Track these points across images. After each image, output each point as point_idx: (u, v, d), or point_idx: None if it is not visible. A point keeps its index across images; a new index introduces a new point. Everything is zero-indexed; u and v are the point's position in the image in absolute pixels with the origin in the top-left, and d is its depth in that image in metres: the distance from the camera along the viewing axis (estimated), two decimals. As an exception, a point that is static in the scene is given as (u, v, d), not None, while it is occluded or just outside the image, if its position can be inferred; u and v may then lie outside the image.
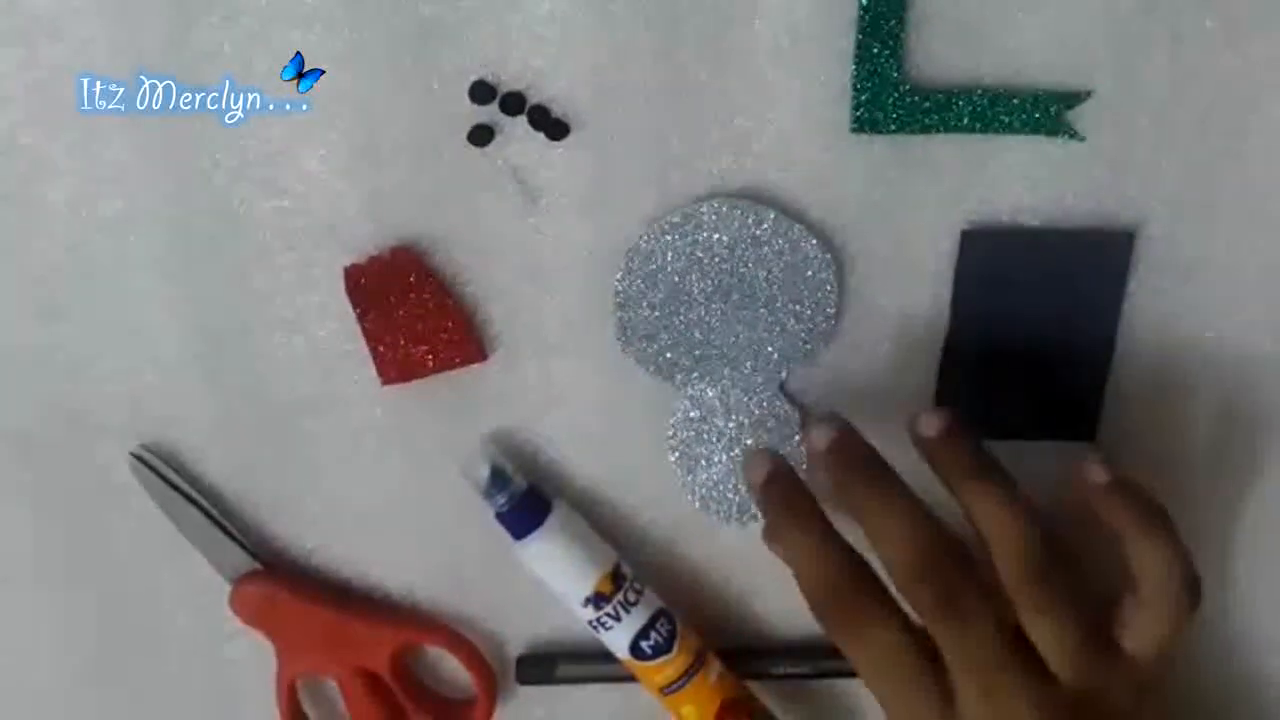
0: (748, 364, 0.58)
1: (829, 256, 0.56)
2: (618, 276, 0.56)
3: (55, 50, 0.53)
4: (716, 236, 0.55)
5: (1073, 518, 0.53)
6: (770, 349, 0.57)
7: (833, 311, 0.57)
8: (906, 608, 0.50)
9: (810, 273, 0.56)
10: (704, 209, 0.55)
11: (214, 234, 0.56)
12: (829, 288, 0.56)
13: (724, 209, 0.55)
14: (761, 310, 0.57)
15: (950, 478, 0.52)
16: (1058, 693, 0.49)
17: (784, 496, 0.54)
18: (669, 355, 0.58)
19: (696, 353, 0.58)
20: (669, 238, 0.56)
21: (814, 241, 0.55)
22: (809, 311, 0.57)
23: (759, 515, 0.59)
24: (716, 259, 0.56)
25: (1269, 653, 0.64)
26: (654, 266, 0.56)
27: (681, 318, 0.57)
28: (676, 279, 0.56)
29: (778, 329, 0.57)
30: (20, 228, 0.56)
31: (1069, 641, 0.49)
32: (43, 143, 0.55)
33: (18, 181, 0.55)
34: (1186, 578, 0.51)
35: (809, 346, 0.57)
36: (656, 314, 0.57)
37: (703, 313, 0.57)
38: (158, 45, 0.53)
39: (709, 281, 0.56)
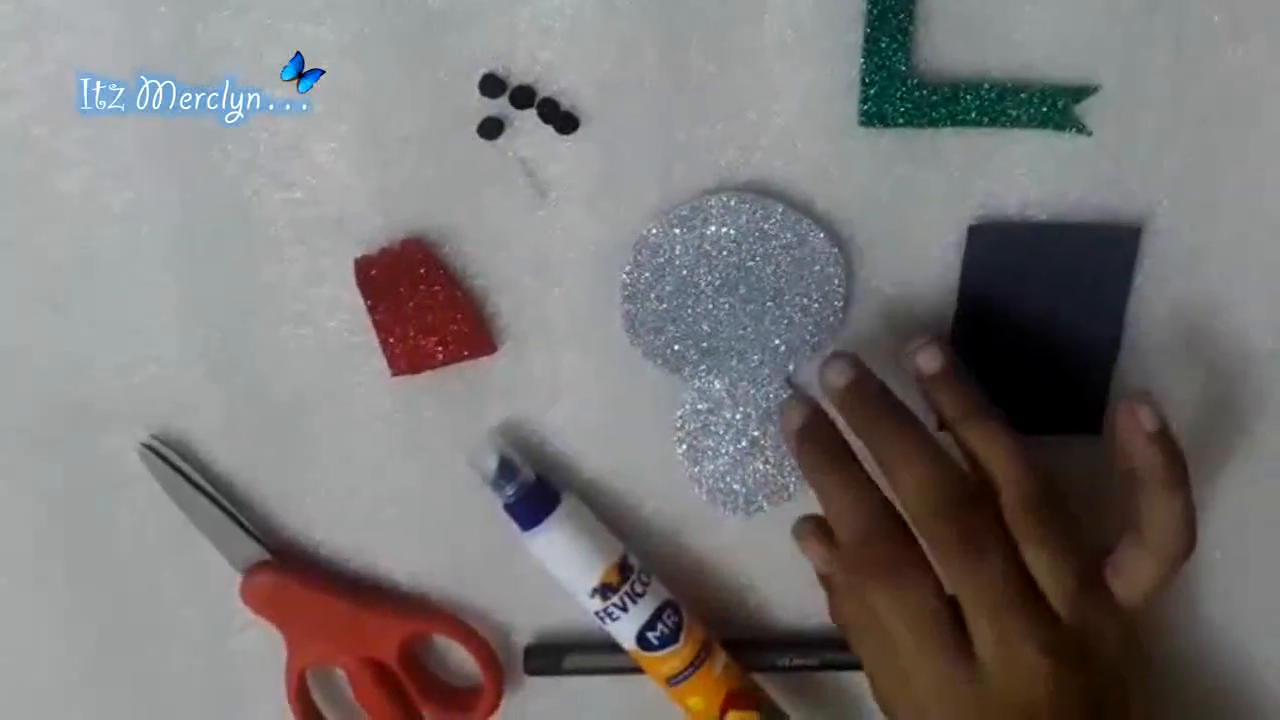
0: (755, 356, 0.58)
1: (836, 250, 0.56)
2: (626, 269, 0.57)
3: (64, 44, 0.54)
4: (724, 230, 0.56)
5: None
6: (777, 341, 0.58)
7: (840, 304, 0.57)
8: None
9: (818, 266, 0.56)
10: (712, 202, 0.55)
11: (224, 226, 0.57)
12: (836, 281, 0.56)
13: (732, 202, 0.55)
14: (769, 303, 0.57)
15: (949, 414, 0.54)
16: (1062, 633, 0.51)
17: (822, 444, 0.55)
18: (676, 348, 0.58)
19: (704, 345, 0.58)
20: (677, 230, 0.56)
21: (821, 235, 0.56)
22: (816, 304, 0.57)
23: (766, 505, 0.60)
24: (724, 252, 0.56)
25: (1263, 642, 0.64)
26: (662, 259, 0.56)
27: (689, 310, 0.57)
28: (684, 272, 0.57)
29: (785, 322, 0.57)
30: (30, 220, 0.56)
31: (1068, 577, 0.51)
32: (53, 136, 0.55)
33: (28, 174, 0.56)
34: (1192, 534, 0.52)
35: (816, 339, 0.58)
36: (664, 306, 0.57)
37: (710, 305, 0.57)
38: (167, 39, 0.54)
39: (716, 274, 0.57)
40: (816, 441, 0.55)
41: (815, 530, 0.56)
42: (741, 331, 0.58)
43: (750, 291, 0.57)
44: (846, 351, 0.55)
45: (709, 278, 0.57)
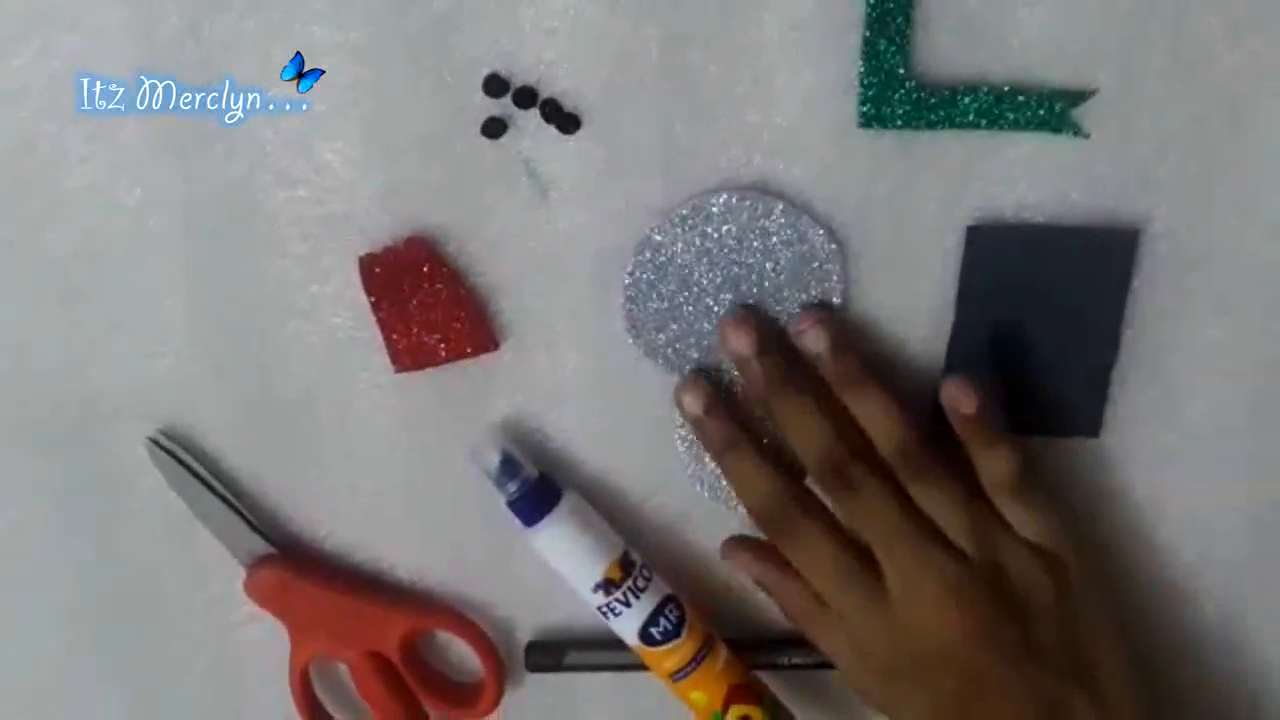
0: None
1: (835, 247, 0.56)
2: (627, 269, 0.57)
3: (72, 41, 0.54)
4: (725, 228, 0.56)
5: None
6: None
7: (839, 302, 0.57)
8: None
9: (817, 263, 0.57)
10: (713, 201, 0.56)
11: (230, 223, 0.57)
12: (835, 278, 0.57)
13: (733, 200, 0.56)
14: (769, 301, 0.57)
15: (833, 384, 0.57)
16: (969, 565, 0.54)
17: (720, 425, 0.58)
18: (678, 346, 0.58)
19: (705, 343, 0.58)
20: (678, 230, 0.56)
21: (821, 231, 0.56)
22: (815, 302, 0.57)
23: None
24: (725, 250, 0.57)
25: (1264, 644, 0.64)
26: (663, 258, 0.57)
27: (690, 309, 0.58)
28: (685, 271, 0.57)
29: (785, 320, 0.58)
30: (38, 216, 0.57)
31: (960, 510, 0.54)
32: (61, 132, 0.56)
33: (37, 169, 0.56)
34: (1011, 447, 0.55)
35: None
36: (666, 305, 0.58)
37: (711, 303, 0.58)
38: (176, 36, 0.54)
39: (718, 273, 0.57)
40: (713, 424, 0.58)
41: (736, 544, 0.60)
42: None
43: (751, 289, 0.57)
44: (747, 314, 0.58)
45: (710, 276, 0.57)
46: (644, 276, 0.57)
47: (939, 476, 0.55)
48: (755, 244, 0.57)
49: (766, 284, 0.58)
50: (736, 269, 0.57)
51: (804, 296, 0.58)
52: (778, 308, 0.58)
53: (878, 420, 0.56)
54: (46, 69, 0.55)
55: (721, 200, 0.56)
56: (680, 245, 0.57)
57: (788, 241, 0.56)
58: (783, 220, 0.56)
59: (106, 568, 0.64)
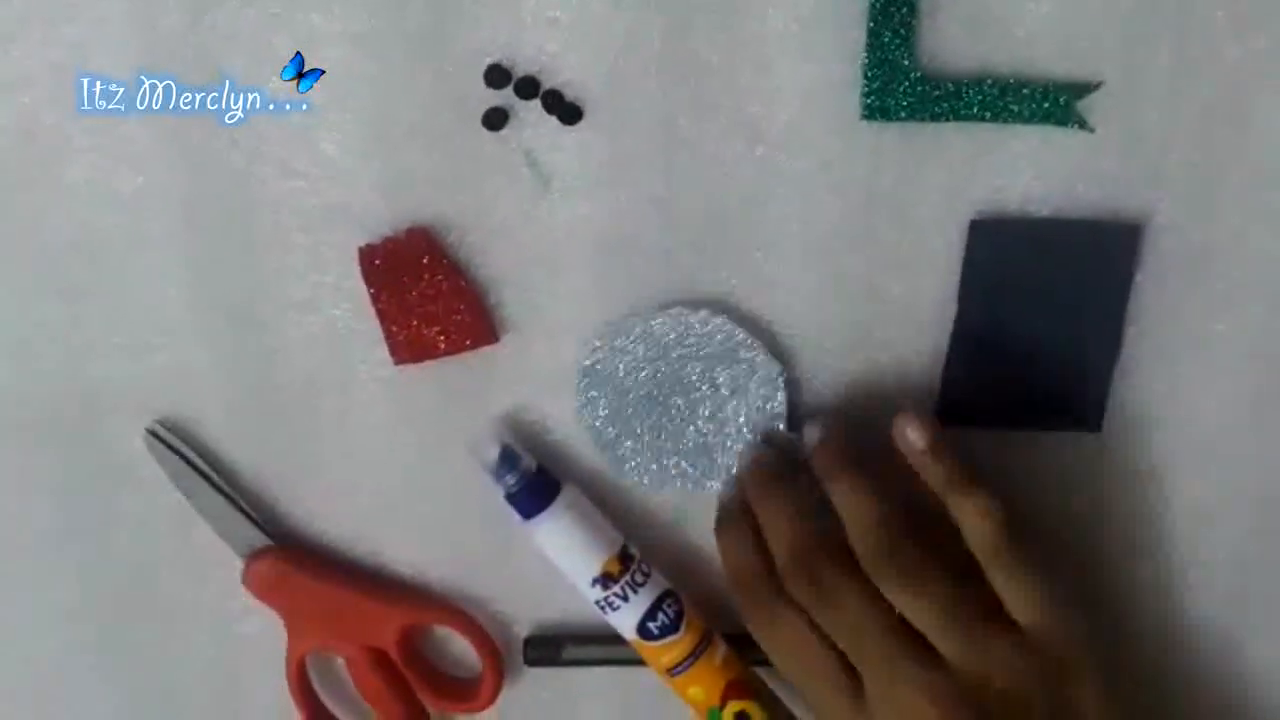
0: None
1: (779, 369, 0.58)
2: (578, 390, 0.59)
3: (73, 31, 0.54)
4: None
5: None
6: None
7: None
8: None
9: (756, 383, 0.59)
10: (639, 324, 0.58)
11: (229, 214, 0.57)
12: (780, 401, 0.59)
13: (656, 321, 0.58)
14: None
15: (820, 470, 0.56)
16: (949, 675, 0.50)
17: (723, 511, 0.59)
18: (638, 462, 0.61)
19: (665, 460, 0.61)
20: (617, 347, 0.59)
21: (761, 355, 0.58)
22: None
23: None
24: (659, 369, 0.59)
25: (1263, 646, 0.64)
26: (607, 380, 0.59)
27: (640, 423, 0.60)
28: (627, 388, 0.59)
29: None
30: (38, 207, 0.57)
31: (937, 613, 0.51)
32: (62, 122, 0.55)
33: (37, 160, 0.56)
34: (1001, 517, 0.52)
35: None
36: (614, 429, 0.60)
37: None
38: (177, 26, 0.54)
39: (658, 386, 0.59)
40: (720, 517, 0.60)
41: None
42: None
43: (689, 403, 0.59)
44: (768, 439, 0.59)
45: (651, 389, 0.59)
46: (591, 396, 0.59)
47: (916, 571, 0.52)
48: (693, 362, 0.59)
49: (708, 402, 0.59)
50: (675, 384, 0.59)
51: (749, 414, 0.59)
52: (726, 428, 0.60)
53: (848, 508, 0.54)
54: (46, 60, 0.55)
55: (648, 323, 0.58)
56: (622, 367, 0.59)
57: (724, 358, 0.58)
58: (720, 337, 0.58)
59: (104, 560, 0.63)
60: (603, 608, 0.59)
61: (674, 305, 0.58)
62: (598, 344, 0.58)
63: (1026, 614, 0.52)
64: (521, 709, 0.65)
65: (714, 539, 0.60)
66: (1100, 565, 0.61)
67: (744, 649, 0.61)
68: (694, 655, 0.60)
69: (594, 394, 0.59)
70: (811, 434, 0.57)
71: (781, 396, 0.58)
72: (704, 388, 0.59)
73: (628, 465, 0.60)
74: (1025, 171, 0.55)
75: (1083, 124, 0.54)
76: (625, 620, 0.59)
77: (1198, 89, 0.54)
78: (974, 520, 0.53)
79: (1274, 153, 0.55)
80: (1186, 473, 0.60)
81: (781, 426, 0.59)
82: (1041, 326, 0.58)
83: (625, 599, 0.59)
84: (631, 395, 0.59)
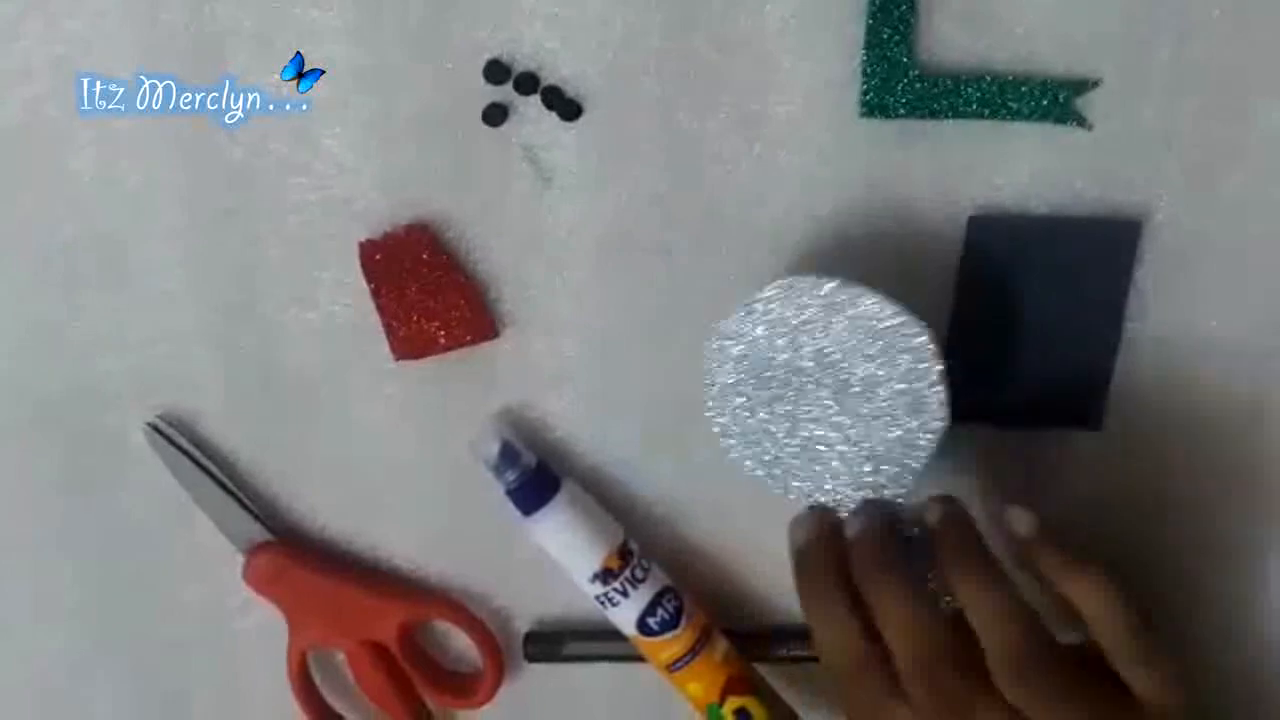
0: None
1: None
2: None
3: (75, 25, 0.55)
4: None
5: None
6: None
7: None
8: None
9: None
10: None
11: (231, 208, 0.57)
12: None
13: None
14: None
15: (944, 561, 0.52)
16: None
17: (814, 564, 0.54)
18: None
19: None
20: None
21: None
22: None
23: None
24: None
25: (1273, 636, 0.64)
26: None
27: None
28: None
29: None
30: (43, 199, 0.57)
31: None
32: (65, 116, 0.56)
33: (41, 153, 0.56)
34: (1130, 604, 0.50)
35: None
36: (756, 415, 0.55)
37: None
38: (178, 20, 0.54)
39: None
40: (812, 572, 0.54)
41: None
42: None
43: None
44: (869, 504, 0.54)
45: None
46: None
47: (1064, 693, 0.47)
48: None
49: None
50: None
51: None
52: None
53: (980, 611, 0.49)
54: (48, 55, 0.55)
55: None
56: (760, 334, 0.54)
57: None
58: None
59: (105, 554, 0.64)
60: (602, 603, 0.59)
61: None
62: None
63: (1158, 697, 0.49)
64: (521, 704, 0.65)
65: (710, 529, 0.60)
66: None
67: (744, 645, 0.62)
68: (694, 651, 0.60)
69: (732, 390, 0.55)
70: (933, 513, 0.53)
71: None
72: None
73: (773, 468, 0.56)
74: (1024, 168, 0.55)
75: (1081, 121, 0.54)
76: (625, 616, 0.59)
77: (1196, 86, 0.54)
78: (1095, 606, 0.50)
79: (1273, 149, 0.55)
80: (1186, 469, 0.60)
81: (941, 405, 0.52)
82: (1040, 323, 0.58)
83: (625, 594, 0.59)
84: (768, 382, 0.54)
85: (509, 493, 0.59)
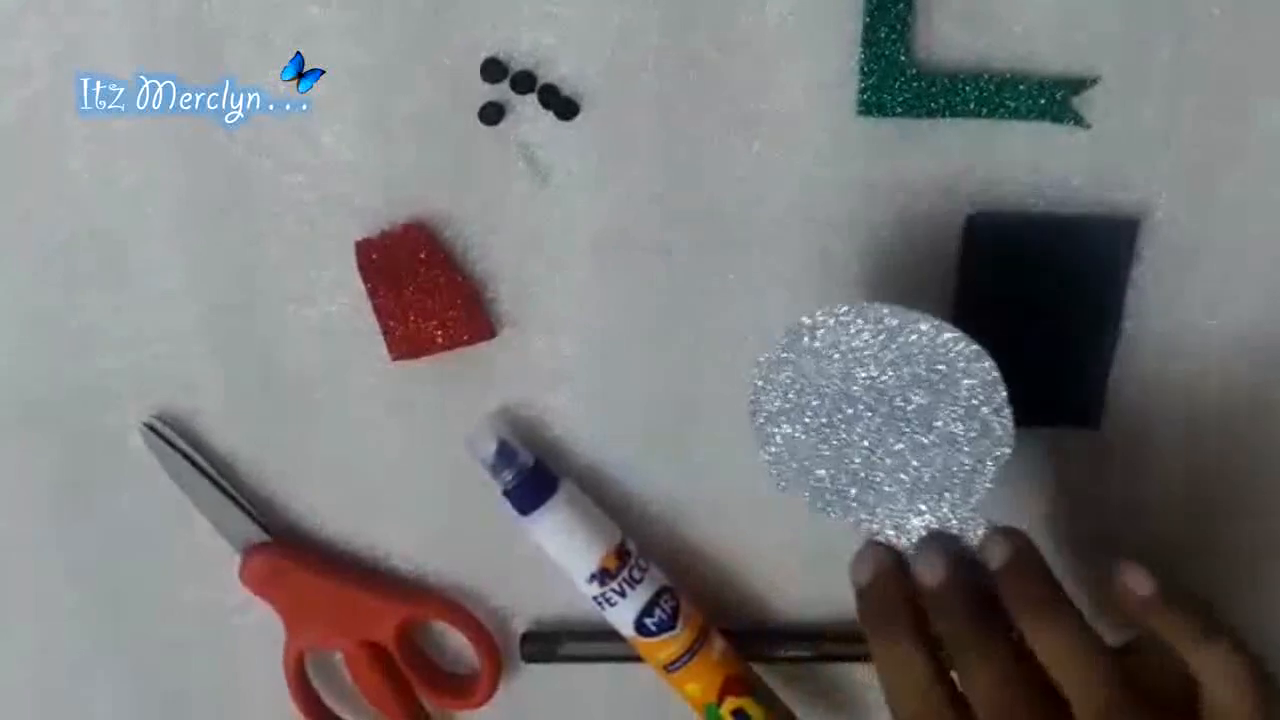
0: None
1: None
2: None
3: (74, 22, 0.54)
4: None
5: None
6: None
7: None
8: None
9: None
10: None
11: (228, 206, 0.57)
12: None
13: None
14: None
15: (1015, 608, 0.50)
16: None
17: (880, 603, 0.52)
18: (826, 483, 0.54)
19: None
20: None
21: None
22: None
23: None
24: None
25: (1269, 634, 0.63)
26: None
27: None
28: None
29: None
30: (41, 197, 0.57)
31: None
32: (61, 115, 0.56)
33: (39, 151, 0.56)
34: (1260, 685, 0.48)
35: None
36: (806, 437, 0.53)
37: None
38: (174, 16, 0.54)
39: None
40: (879, 612, 0.52)
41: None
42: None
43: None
44: (935, 544, 0.52)
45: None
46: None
47: None
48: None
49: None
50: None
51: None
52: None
53: (1062, 662, 0.47)
54: (46, 53, 0.55)
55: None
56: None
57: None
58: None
59: (103, 554, 0.64)
60: (600, 603, 0.59)
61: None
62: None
63: None
64: (519, 705, 0.65)
65: (708, 530, 0.59)
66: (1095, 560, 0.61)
67: (741, 646, 0.62)
68: (691, 651, 0.60)
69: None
70: (999, 550, 0.51)
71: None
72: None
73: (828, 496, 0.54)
74: (1022, 167, 0.55)
75: (1078, 120, 0.54)
76: (622, 616, 0.59)
77: (1195, 85, 0.54)
78: (1222, 685, 0.48)
79: (1270, 148, 0.55)
80: (1184, 467, 0.60)
81: (1006, 432, 0.51)
82: (1038, 321, 0.57)
83: (622, 595, 0.59)
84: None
85: (506, 492, 0.59)
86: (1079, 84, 0.54)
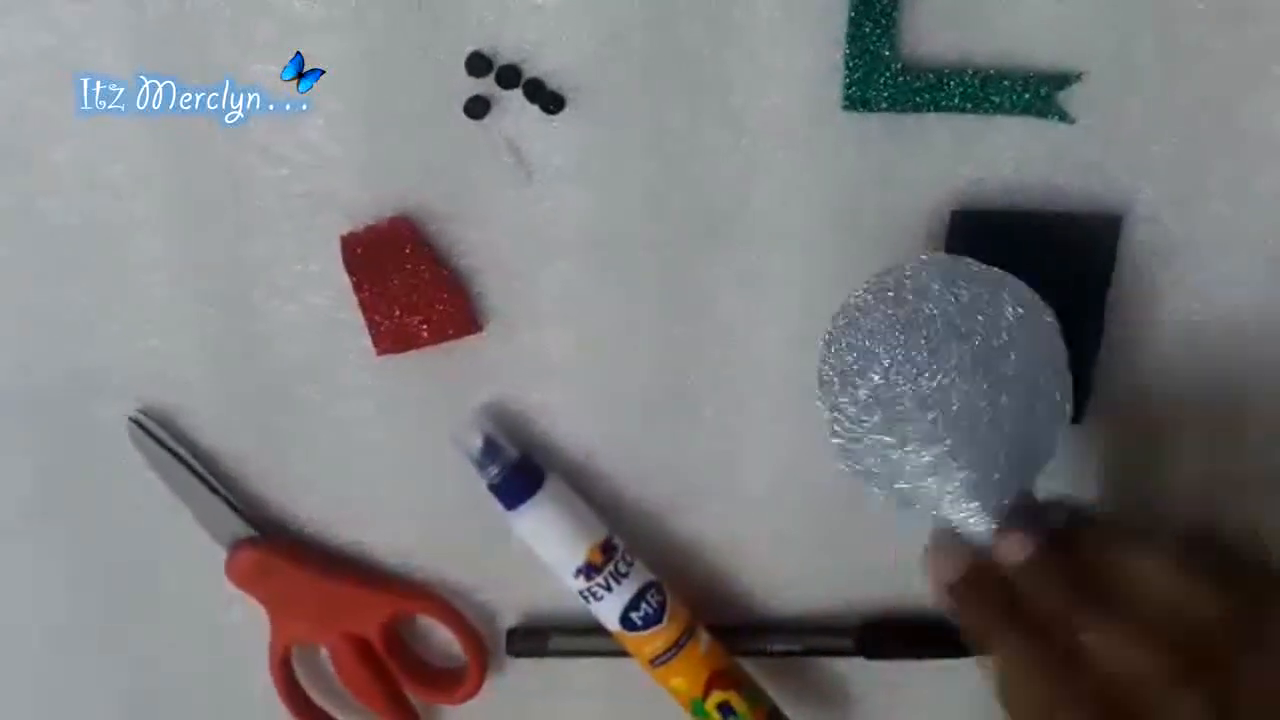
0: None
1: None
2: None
3: (66, 15, 0.54)
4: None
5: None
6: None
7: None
8: None
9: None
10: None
11: (215, 200, 0.57)
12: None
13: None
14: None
15: (1044, 602, 0.49)
16: None
17: (982, 600, 0.51)
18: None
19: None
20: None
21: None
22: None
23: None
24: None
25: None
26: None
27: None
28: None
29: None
30: (28, 189, 0.57)
31: None
32: (52, 106, 0.56)
33: (27, 144, 0.56)
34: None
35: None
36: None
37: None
38: (166, 11, 0.54)
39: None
40: (981, 609, 0.51)
41: None
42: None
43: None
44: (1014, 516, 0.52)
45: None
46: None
47: None
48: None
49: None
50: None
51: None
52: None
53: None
54: (36, 44, 0.55)
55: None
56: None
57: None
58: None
59: (90, 547, 0.64)
60: (586, 598, 0.59)
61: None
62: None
63: None
64: (506, 699, 0.65)
65: (694, 525, 0.59)
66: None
67: (727, 640, 0.62)
68: (677, 646, 0.60)
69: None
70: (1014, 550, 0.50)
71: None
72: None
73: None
74: (1006, 162, 0.55)
75: (1063, 115, 0.54)
76: (608, 611, 0.60)
77: (1180, 80, 0.54)
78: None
79: (1254, 143, 0.55)
80: (1166, 462, 0.60)
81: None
82: (1023, 317, 0.58)
83: (608, 589, 0.59)
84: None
85: (492, 487, 0.59)
86: (1064, 80, 0.54)
